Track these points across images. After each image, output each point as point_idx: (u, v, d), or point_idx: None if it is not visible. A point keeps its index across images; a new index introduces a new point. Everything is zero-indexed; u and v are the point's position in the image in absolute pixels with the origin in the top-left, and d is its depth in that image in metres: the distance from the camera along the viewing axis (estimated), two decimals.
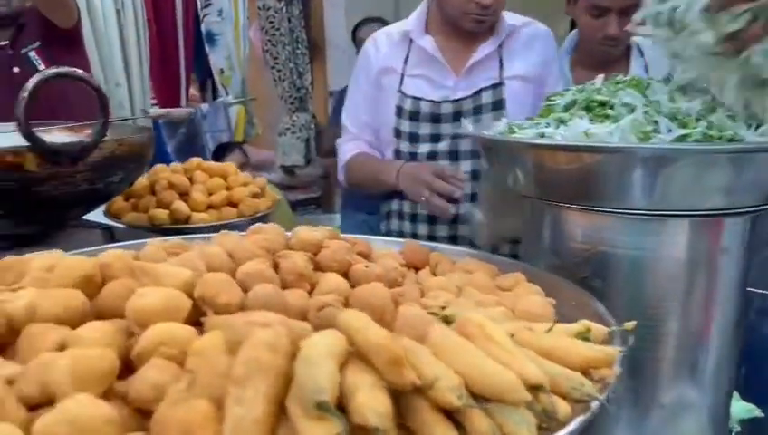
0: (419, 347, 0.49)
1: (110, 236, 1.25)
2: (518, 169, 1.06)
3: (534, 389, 0.49)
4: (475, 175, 1.66)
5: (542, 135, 1.01)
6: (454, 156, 1.68)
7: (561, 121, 1.07)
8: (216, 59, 4.21)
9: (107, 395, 0.51)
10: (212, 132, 3.78)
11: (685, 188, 0.91)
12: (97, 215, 1.49)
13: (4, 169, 0.95)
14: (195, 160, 1.72)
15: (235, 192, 1.65)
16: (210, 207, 1.61)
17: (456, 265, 0.94)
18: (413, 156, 1.70)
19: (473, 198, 1.66)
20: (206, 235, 1.06)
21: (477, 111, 1.66)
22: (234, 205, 1.63)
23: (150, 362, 0.53)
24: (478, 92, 1.66)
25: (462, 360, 0.49)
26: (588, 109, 1.07)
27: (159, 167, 1.67)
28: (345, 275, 0.78)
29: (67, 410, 0.44)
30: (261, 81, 4.28)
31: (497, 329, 0.54)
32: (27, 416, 0.49)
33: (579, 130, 1.00)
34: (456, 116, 1.65)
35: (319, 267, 0.78)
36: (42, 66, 2.30)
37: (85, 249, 0.96)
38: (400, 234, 1.77)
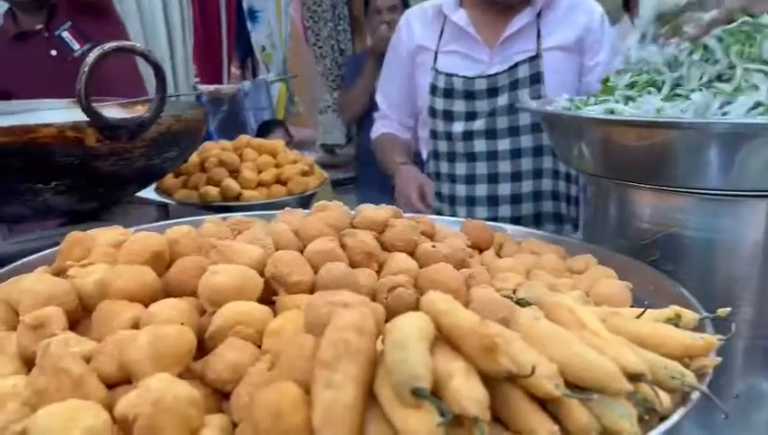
0: (510, 332, 0.47)
1: (165, 212, 1.25)
2: (584, 147, 1.02)
3: (634, 378, 0.46)
4: (513, 154, 1.62)
5: (612, 111, 0.97)
6: (491, 134, 1.62)
7: (629, 98, 1.02)
8: (258, 36, 4.20)
9: (183, 375, 0.49)
10: (254, 110, 3.78)
11: (763, 167, 0.85)
12: (148, 192, 1.49)
13: (64, 144, 0.95)
14: (244, 138, 1.72)
15: (284, 170, 1.63)
16: (260, 184, 1.60)
17: (521, 246, 0.90)
18: (448, 136, 1.67)
19: (514, 176, 1.63)
20: (260, 212, 1.05)
21: (513, 85, 1.59)
22: (283, 183, 1.62)
23: (227, 341, 0.52)
24: (514, 66, 1.59)
25: (556, 347, 0.46)
26: (653, 85, 1.01)
27: (209, 144, 1.67)
28: (411, 254, 0.75)
29: (150, 389, 0.43)
30: (302, 58, 4.26)
31: (589, 314, 0.51)
32: (107, 394, 0.48)
33: (650, 106, 0.95)
34: (492, 92, 1.60)
35: (384, 247, 0.76)
36: (76, 45, 2.31)
37: (144, 226, 0.96)
38: (438, 195, 1.74)
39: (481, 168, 1.63)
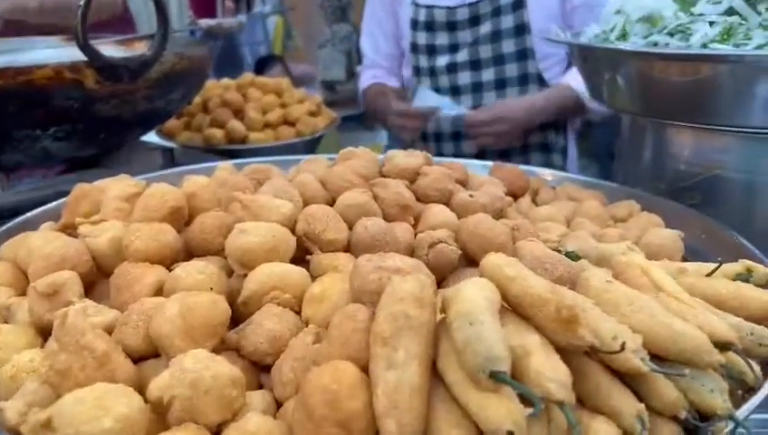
0: (583, 299, 0.42)
1: (170, 157, 1.18)
2: (618, 82, 0.95)
3: (723, 348, 0.41)
4: (498, 84, 1.56)
5: (655, 44, 0.89)
6: (475, 65, 1.56)
7: (670, 34, 0.94)
8: None
9: (216, 348, 0.45)
10: (250, 45, 3.62)
11: None
12: (149, 135, 1.42)
13: (62, 86, 0.88)
14: (248, 76, 1.63)
15: (291, 110, 1.56)
16: (266, 126, 1.53)
17: (557, 192, 0.85)
18: (431, 71, 1.61)
19: None
20: (273, 158, 0.99)
21: (496, 12, 1.52)
22: (290, 124, 1.55)
23: (264, 309, 0.47)
24: None
25: (636, 314, 0.41)
26: None
27: (211, 83, 1.58)
28: (446, 205, 0.70)
29: (186, 369, 0.38)
30: None
31: (665, 274, 0.46)
32: (135, 371, 0.43)
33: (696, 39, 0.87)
34: (474, 21, 1.54)
35: (417, 197, 0.70)
36: None
37: (152, 174, 0.90)
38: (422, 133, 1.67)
39: (466, 101, 1.58)
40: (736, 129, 0.85)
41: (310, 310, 0.46)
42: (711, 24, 0.85)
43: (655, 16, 0.90)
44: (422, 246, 0.59)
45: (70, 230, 0.67)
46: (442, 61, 1.58)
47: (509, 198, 0.74)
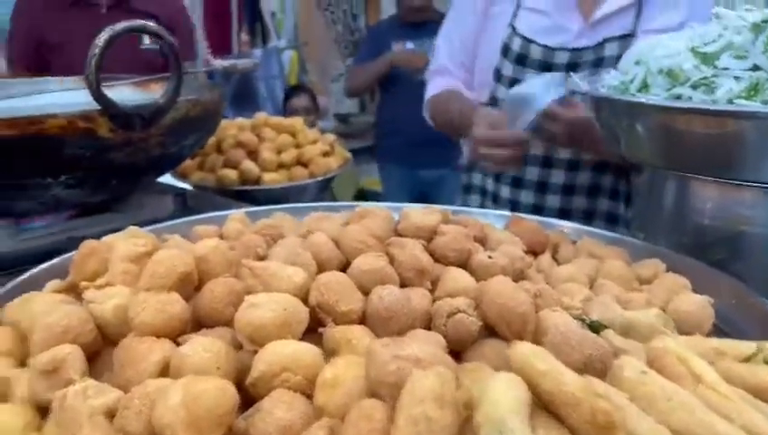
0: (619, 394, 0.39)
1: (183, 201, 1.17)
2: (638, 134, 0.92)
3: None
4: None
5: (679, 97, 0.87)
6: None
7: (693, 87, 0.92)
8: (268, 1, 4.05)
9: None
10: (265, 79, 3.66)
11: None
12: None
13: (74, 135, 0.87)
14: (262, 116, 1.63)
15: (305, 151, 1.55)
16: (280, 166, 1.52)
17: (578, 248, 0.82)
18: None
19: (571, 164, 1.41)
20: (286, 206, 0.97)
21: (597, 64, 1.36)
22: (304, 164, 1.54)
23: (274, 395, 0.44)
24: (602, 43, 1.36)
25: (676, 413, 0.38)
26: None
27: (226, 123, 1.58)
28: (464, 265, 0.67)
29: None
30: (313, 24, 4.11)
31: (702, 362, 0.43)
32: None
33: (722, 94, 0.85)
34: (572, 68, 1.36)
35: (434, 258, 0.67)
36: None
37: (162, 224, 0.88)
38: (482, 190, 1.58)
39: (535, 148, 1.41)
40: (764, 185, 0.82)
41: (323, 397, 0.44)
42: (736, 78, 0.83)
43: (675, 71, 0.87)
44: (440, 314, 0.56)
45: (76, 292, 0.65)
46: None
47: (529, 259, 0.72)
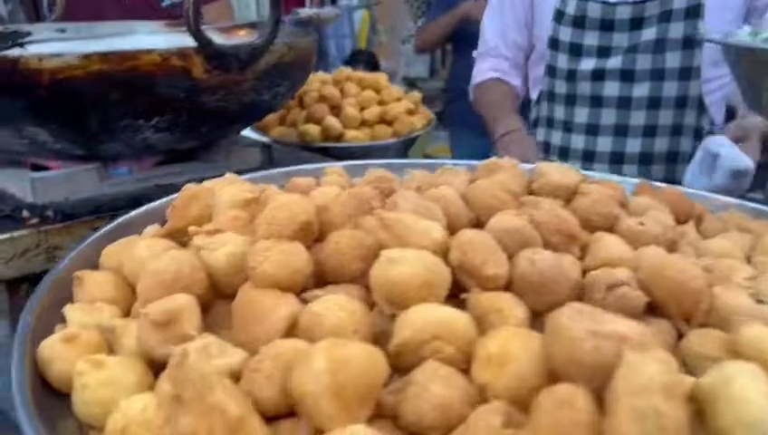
0: None
1: (269, 155, 1.11)
2: None
3: None
4: (652, 103, 1.35)
5: None
6: (627, 76, 1.34)
7: None
8: None
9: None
10: (336, 38, 3.58)
11: None
12: None
13: (169, 74, 0.81)
14: (344, 70, 1.55)
15: (389, 108, 1.47)
16: (363, 123, 1.44)
17: (725, 221, 0.72)
18: (571, 75, 1.39)
19: (647, 131, 1.36)
20: (383, 161, 0.90)
21: (665, 17, 1.30)
22: (388, 122, 1.46)
23: (427, 367, 0.37)
24: None
25: None
26: None
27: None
28: (607, 232, 0.59)
29: None
30: None
31: None
32: None
33: None
34: (636, 23, 1.31)
35: None
36: None
37: (255, 174, 0.82)
38: (546, 145, 1.51)
39: (608, 116, 1.37)
40: None
41: (487, 374, 0.36)
42: None
43: None
44: (598, 287, 0.48)
45: (178, 237, 0.60)
46: (587, 64, 1.36)
47: (680, 228, 0.62)
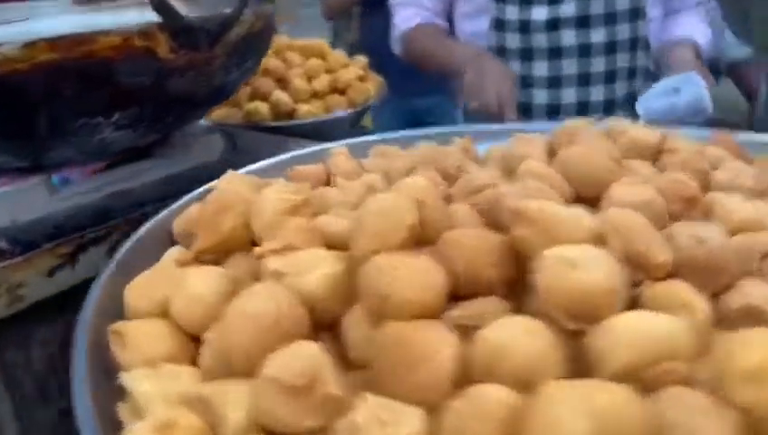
0: None
1: (232, 140, 0.98)
2: None
3: None
4: (609, 48, 1.33)
5: None
6: (583, 23, 1.30)
7: None
8: None
9: None
10: None
11: None
12: None
13: (131, 58, 0.67)
14: (283, 39, 1.41)
15: (339, 75, 1.35)
16: (313, 95, 1.32)
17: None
18: (523, 26, 1.33)
19: (608, 77, 1.34)
20: (380, 136, 0.81)
21: None
22: (340, 91, 1.35)
23: (676, 398, 0.29)
24: None
25: None
26: None
27: None
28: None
29: None
30: None
31: None
32: None
33: None
34: None
35: None
36: None
37: (251, 166, 0.71)
38: None
39: (570, 66, 1.32)
40: None
41: (749, 393, 0.29)
42: None
43: None
44: (746, 257, 0.42)
45: (199, 259, 0.48)
46: (539, 14, 1.30)
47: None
